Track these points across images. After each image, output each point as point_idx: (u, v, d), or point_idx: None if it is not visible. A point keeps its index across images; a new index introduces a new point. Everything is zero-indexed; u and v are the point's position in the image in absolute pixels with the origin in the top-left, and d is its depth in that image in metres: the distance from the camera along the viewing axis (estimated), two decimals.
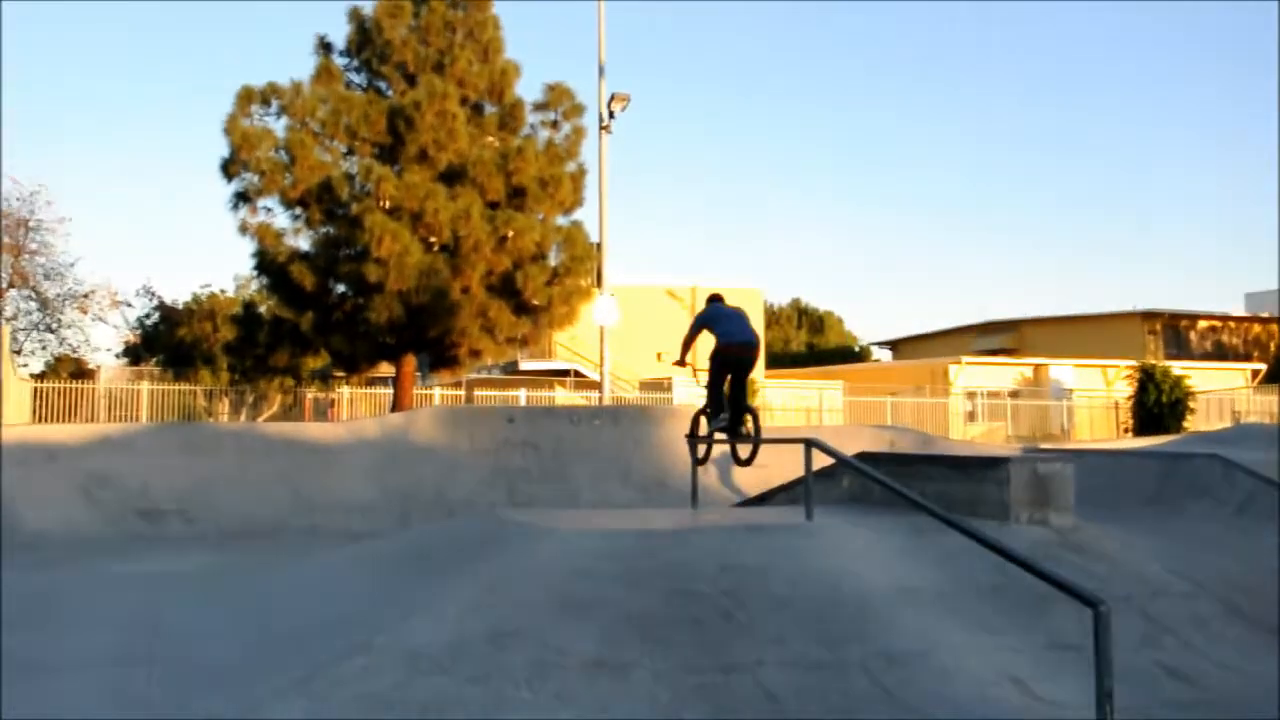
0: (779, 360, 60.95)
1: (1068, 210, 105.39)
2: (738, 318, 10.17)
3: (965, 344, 50.94)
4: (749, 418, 10.15)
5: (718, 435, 10.33)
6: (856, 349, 70.80)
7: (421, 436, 15.47)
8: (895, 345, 60.57)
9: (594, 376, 35.03)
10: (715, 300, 10.70)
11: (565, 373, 38.16)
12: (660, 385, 35.01)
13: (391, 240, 21.71)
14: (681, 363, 11.11)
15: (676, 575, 6.80)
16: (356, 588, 7.55)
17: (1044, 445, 24.97)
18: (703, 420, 10.56)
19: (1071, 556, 7.78)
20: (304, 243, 23.84)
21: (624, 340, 37.49)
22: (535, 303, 23.88)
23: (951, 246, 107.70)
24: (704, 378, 10.29)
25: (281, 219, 23.74)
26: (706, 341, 10.43)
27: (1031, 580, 6.03)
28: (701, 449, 10.58)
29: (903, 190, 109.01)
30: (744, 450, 10.23)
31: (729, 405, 10.17)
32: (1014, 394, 39.14)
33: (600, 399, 25.09)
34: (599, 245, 24.54)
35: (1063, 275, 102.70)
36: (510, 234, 22.92)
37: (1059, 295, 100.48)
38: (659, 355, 42.79)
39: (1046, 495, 8.26)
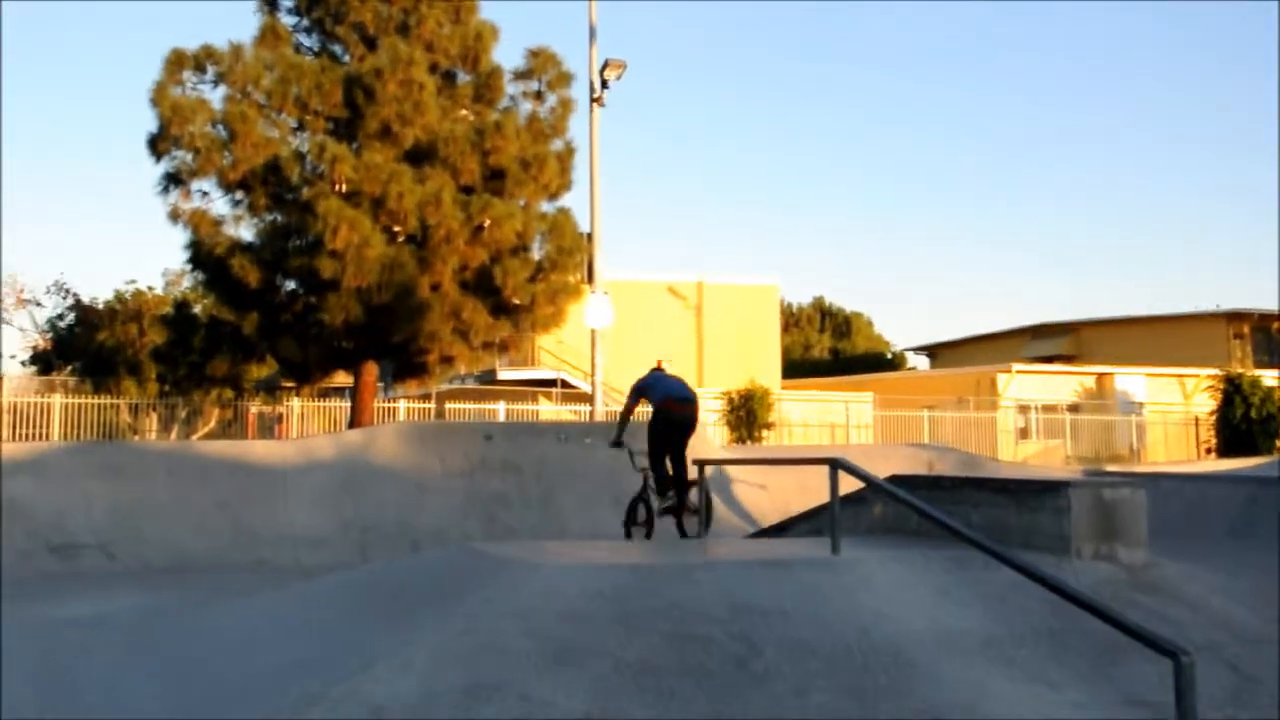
0: (798, 368, 61.00)
1: (1131, 196, 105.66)
2: (678, 383, 11.56)
3: (1015, 350, 51.07)
4: (694, 489, 11.25)
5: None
6: (889, 355, 70.83)
7: (384, 457, 15.44)
8: (934, 351, 60.68)
9: (585, 387, 35.02)
10: (657, 369, 12.07)
11: (551, 383, 38.19)
12: None
13: (349, 229, 21.72)
14: (618, 443, 12.27)
15: (681, 617, 6.79)
16: (308, 632, 7.51)
17: (1110, 467, 25.00)
18: (650, 500, 11.64)
19: (1144, 598, 7.76)
20: (246, 232, 23.87)
21: (620, 345, 37.51)
22: (516, 302, 23.90)
23: (997, 238, 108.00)
24: (641, 460, 11.53)
25: (220, 205, 23.77)
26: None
27: (1097, 625, 6.01)
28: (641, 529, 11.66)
29: (941, 175, 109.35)
30: (691, 526, 11.15)
31: (672, 481, 11.31)
32: (1073, 408, 39.18)
33: (592, 413, 25.07)
34: (590, 235, 24.56)
35: (1127, 270, 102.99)
36: (487, 222, 22.94)
37: (1123, 294, 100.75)
38: (660, 363, 42.67)
39: (1114, 526, 8.24)
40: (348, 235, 21.75)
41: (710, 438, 23.49)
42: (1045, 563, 7.45)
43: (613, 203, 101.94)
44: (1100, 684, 6.72)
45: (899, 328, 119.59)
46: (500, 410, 31.85)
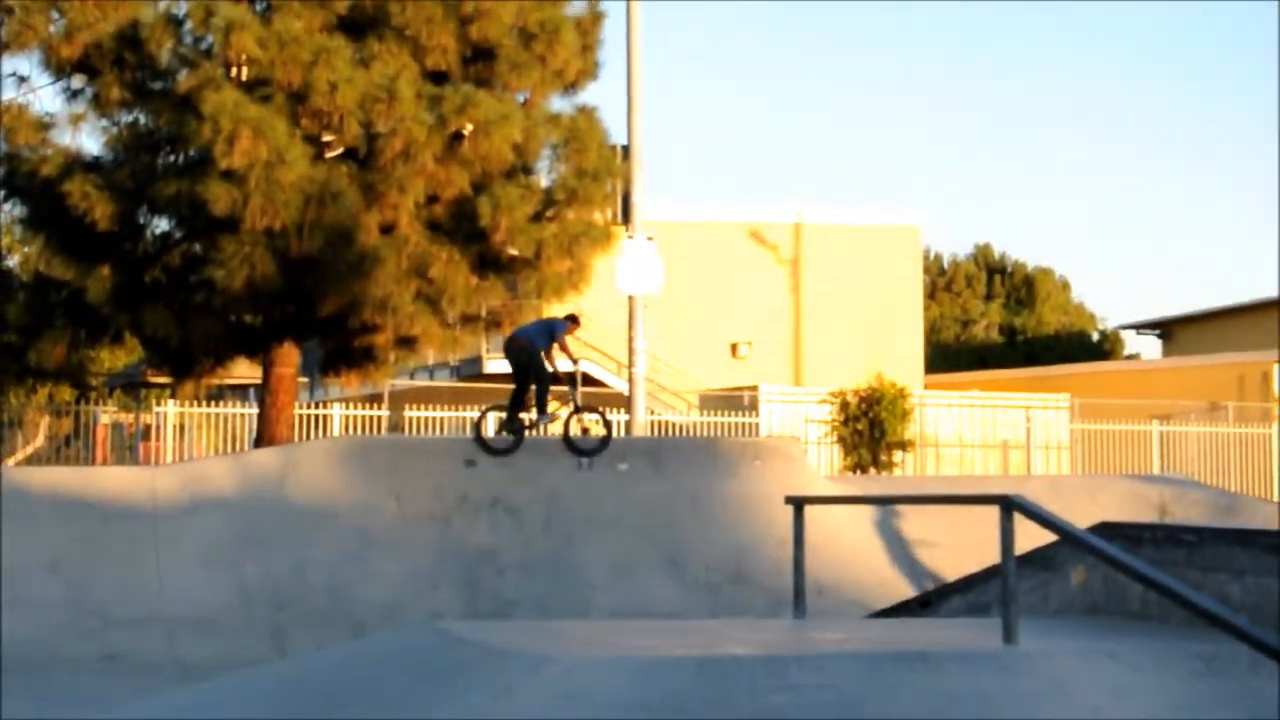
0: (952, 356, 60.72)
1: None
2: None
3: None
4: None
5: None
6: (1096, 336, 70.25)
7: (309, 491, 15.50)
8: (1168, 330, 60.02)
9: (618, 384, 34.97)
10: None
11: (567, 377, 38.14)
12: (737, 401, 34.94)
13: (253, 138, 21.70)
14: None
15: None
16: None
17: None
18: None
19: None
20: (92, 142, 23.92)
21: (673, 319, 37.38)
22: (513, 252, 23.84)
23: (1269, 158, 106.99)
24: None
25: (49, 98, 23.88)
26: None
27: None
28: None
29: (1182, 58, 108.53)
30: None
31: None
32: None
33: (630, 424, 25.05)
34: (627, 149, 24.50)
35: None
36: (469, 128, 22.87)
37: None
38: (734, 348, 42.69)
39: None
40: (251, 147, 21.72)
41: (811, 464, 23.44)
42: None
43: (662, 100, 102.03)
44: None
45: (1112, 294, 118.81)
46: (489, 420, 31.87)
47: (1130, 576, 7.82)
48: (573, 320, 21.05)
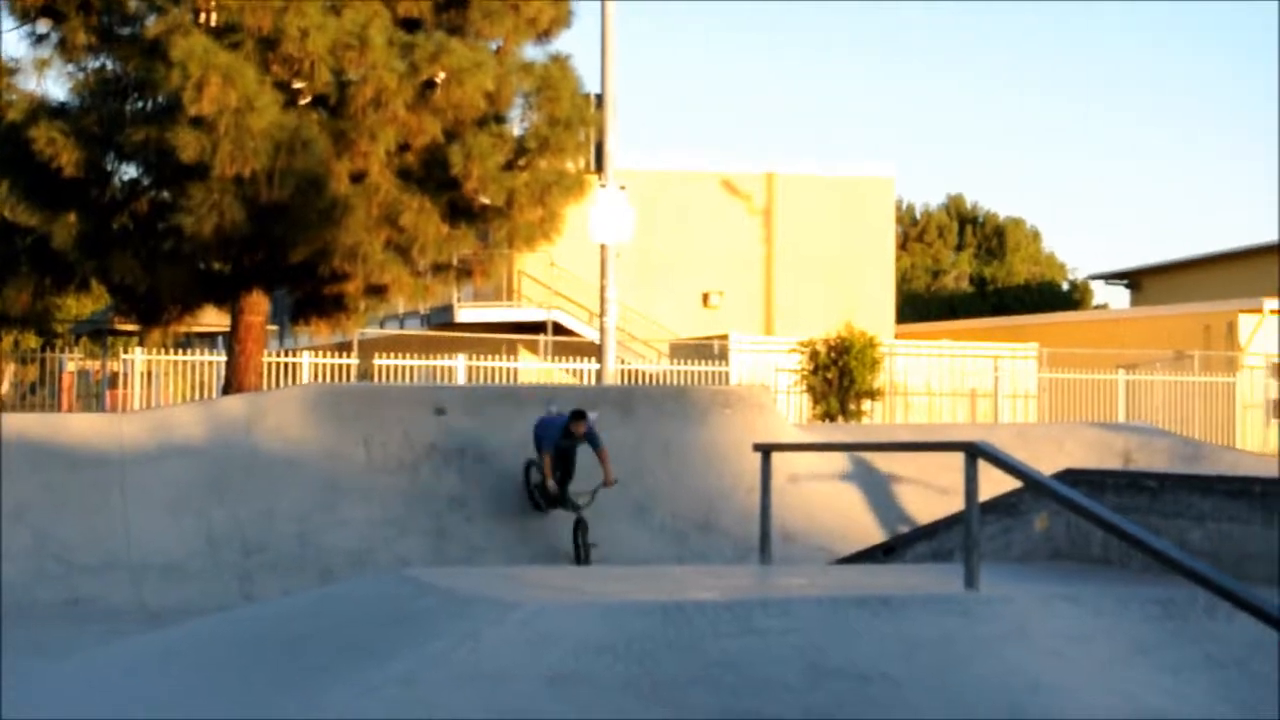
0: (923, 305, 60.83)
1: None
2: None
3: (1270, 276, 50.46)
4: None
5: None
6: (1066, 286, 70.42)
7: (278, 439, 15.46)
8: (1136, 280, 60.19)
9: (589, 334, 34.97)
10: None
11: (539, 327, 38.16)
12: (707, 350, 34.97)
13: (222, 85, 21.59)
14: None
15: (734, 686, 6.79)
16: (157, 713, 7.53)
17: None
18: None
19: None
20: (58, 88, 23.80)
21: (644, 269, 37.40)
22: (485, 201, 23.78)
23: (1242, 107, 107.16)
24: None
25: (14, 43, 23.73)
26: None
27: None
28: None
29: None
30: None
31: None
32: None
33: (600, 373, 25.06)
34: (600, 98, 24.42)
35: None
36: (440, 76, 22.79)
37: None
38: (706, 297, 42.71)
39: None
40: (221, 94, 21.63)
41: (780, 413, 23.49)
42: None
43: (636, 50, 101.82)
44: None
45: (1081, 245, 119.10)
46: (459, 368, 31.86)
47: (1092, 522, 7.86)
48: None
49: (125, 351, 31.08)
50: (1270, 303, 40.80)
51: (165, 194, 23.28)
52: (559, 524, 15.82)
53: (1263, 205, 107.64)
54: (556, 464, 16.16)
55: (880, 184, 45.30)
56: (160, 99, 22.49)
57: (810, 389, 30.99)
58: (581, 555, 15.89)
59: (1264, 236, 55.71)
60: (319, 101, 22.91)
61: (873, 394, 31.14)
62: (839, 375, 30.73)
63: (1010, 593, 8.14)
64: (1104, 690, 7.14)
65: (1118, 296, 63.51)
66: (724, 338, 35.00)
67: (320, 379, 29.88)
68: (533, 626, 7.15)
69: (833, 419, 29.76)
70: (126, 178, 23.97)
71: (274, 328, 25.85)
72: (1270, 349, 38.73)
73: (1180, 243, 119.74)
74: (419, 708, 6.57)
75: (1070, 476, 9.83)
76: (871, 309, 40.99)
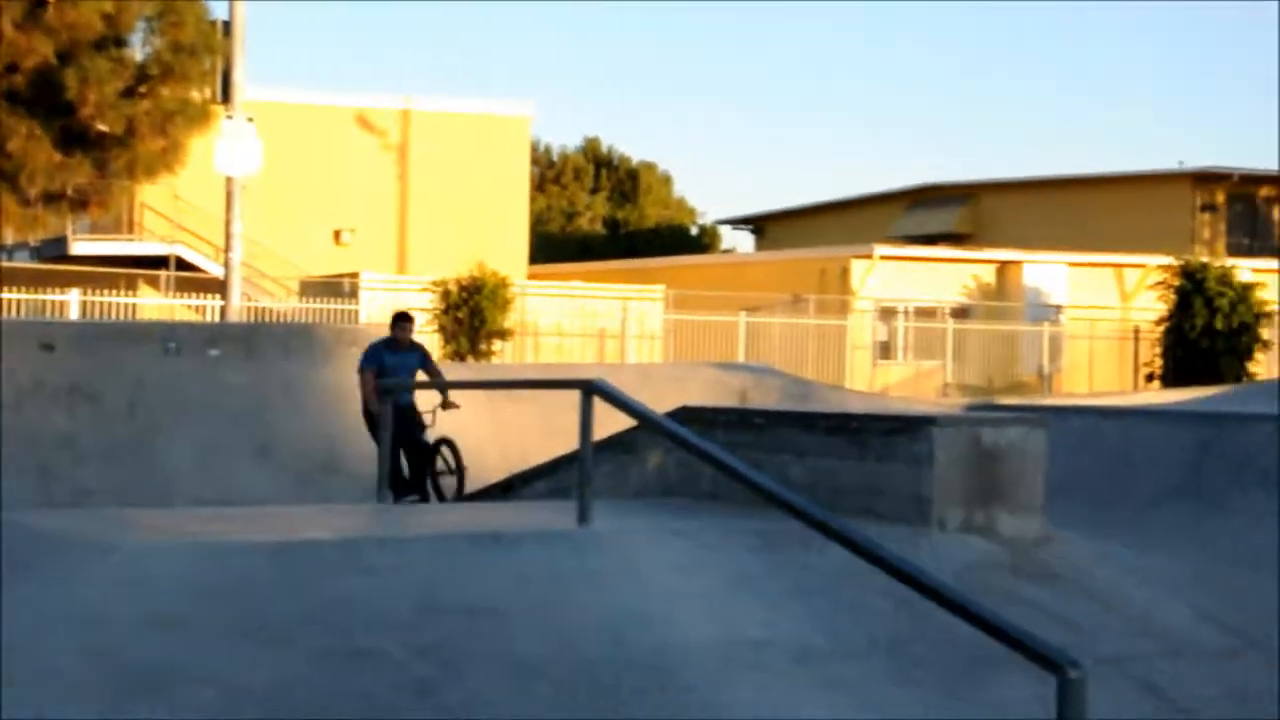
0: (556, 246, 61.20)
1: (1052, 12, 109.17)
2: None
3: (882, 224, 52.21)
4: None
5: None
6: (695, 230, 71.69)
7: None
8: (761, 225, 61.71)
9: (215, 269, 34.33)
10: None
11: (162, 261, 37.32)
12: (337, 288, 34.66)
13: None
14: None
15: (343, 624, 6.78)
16: None
17: (1006, 400, 25.92)
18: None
19: (1034, 588, 8.08)
20: None
21: (274, 204, 36.82)
22: (103, 128, 23.27)
23: (865, 64, 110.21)
24: None
25: None
26: None
27: (963, 630, 6.22)
28: None
29: None
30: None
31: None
32: (960, 312, 40.47)
33: (225, 310, 24.67)
34: (229, 25, 23.97)
35: (1045, 118, 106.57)
36: None
37: (1043, 150, 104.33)
38: (338, 234, 42.35)
39: (995, 484, 8.54)
40: None
41: None
42: (894, 537, 7.64)
43: None
44: (962, 710, 6.99)
45: (712, 190, 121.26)
46: (73, 302, 30.90)
47: (699, 457, 8.02)
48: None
49: None
50: (881, 249, 42.30)
51: None
52: (185, 466, 15.42)
53: (879, 156, 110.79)
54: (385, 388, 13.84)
55: (517, 123, 45.44)
56: None
57: (441, 328, 31.02)
58: (440, 489, 14.60)
59: (878, 186, 57.61)
60: None
61: (503, 334, 31.38)
62: (470, 315, 30.87)
63: (621, 528, 8.27)
64: (707, 620, 7.29)
65: (745, 241, 65.08)
66: (355, 276, 34.75)
67: None
68: (129, 569, 7.03)
69: (463, 358, 29.85)
70: None
71: None
72: (879, 293, 40.09)
73: (803, 190, 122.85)
74: (16, 655, 6.38)
75: (683, 414, 10.01)
76: (505, 249, 41.10)
